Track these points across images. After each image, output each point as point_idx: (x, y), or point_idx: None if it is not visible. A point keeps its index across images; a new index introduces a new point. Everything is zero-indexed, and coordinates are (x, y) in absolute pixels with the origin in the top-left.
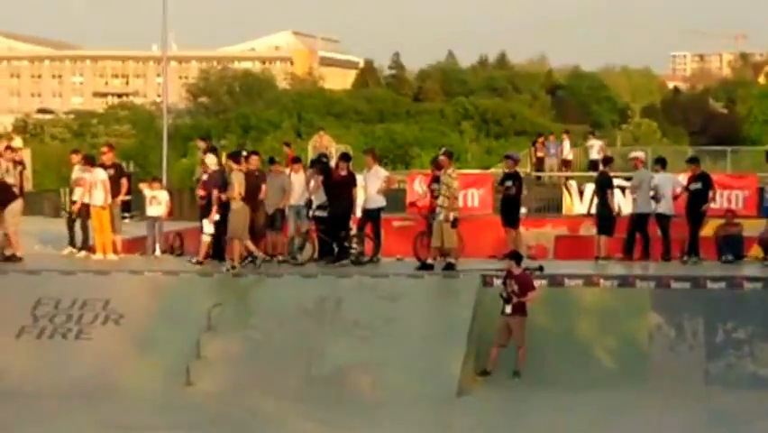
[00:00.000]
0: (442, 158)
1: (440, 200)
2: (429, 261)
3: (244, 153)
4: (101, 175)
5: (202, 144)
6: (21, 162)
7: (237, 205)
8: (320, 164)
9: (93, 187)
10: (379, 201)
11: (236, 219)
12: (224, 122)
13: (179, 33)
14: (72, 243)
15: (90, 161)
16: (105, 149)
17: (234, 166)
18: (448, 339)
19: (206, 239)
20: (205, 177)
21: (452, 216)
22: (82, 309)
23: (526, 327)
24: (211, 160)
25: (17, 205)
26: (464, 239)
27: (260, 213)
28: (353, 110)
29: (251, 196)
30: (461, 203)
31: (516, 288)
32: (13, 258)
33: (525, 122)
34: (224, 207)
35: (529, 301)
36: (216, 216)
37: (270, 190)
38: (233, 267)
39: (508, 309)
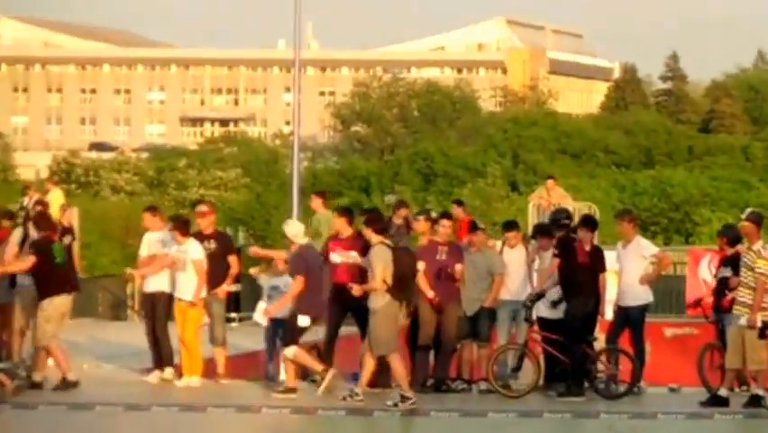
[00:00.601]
0: (745, 224)
1: (741, 294)
2: (722, 391)
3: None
4: (195, 251)
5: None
6: (69, 230)
7: (381, 301)
8: (561, 231)
9: (179, 269)
10: (643, 295)
11: (382, 324)
12: (392, 165)
13: (321, 26)
14: (160, 362)
15: (183, 227)
16: (202, 208)
17: (374, 237)
18: None
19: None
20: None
21: (759, 319)
22: None
23: None
24: (293, 229)
25: (63, 301)
26: None
27: (449, 313)
28: (602, 147)
29: (403, 283)
30: None
31: None
32: (62, 384)
33: None
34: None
35: None
36: (306, 321)
37: (471, 276)
38: (404, 399)
39: None
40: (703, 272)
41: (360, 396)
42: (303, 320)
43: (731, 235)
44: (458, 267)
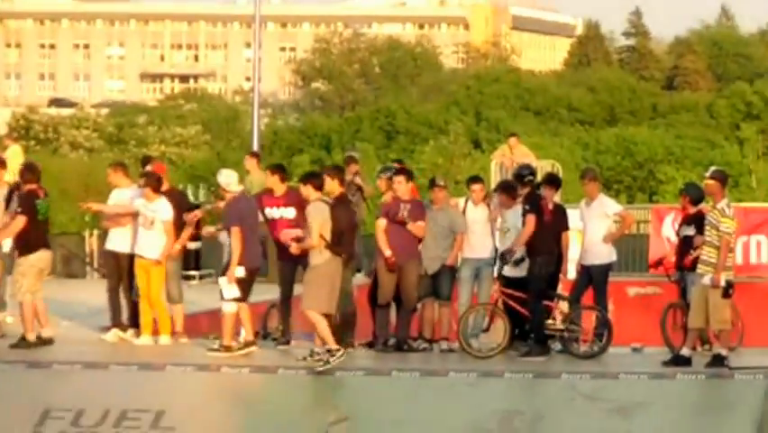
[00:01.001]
0: (709, 183)
1: (705, 253)
2: (685, 351)
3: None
4: (166, 211)
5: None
6: (34, 192)
7: (320, 258)
8: (525, 188)
9: (144, 226)
10: (607, 254)
11: (316, 280)
12: (353, 122)
13: None
14: (117, 320)
15: (156, 184)
16: (153, 166)
17: (313, 194)
18: None
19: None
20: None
21: (723, 279)
22: (118, 427)
23: None
24: (227, 177)
25: (39, 256)
26: (743, 317)
27: (408, 272)
28: (565, 105)
29: (341, 239)
30: (738, 258)
31: None
32: (38, 341)
33: None
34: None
35: None
36: (241, 272)
37: (432, 235)
38: (321, 356)
39: None
40: (667, 231)
41: (320, 355)
42: (238, 271)
43: (695, 194)
44: (420, 224)
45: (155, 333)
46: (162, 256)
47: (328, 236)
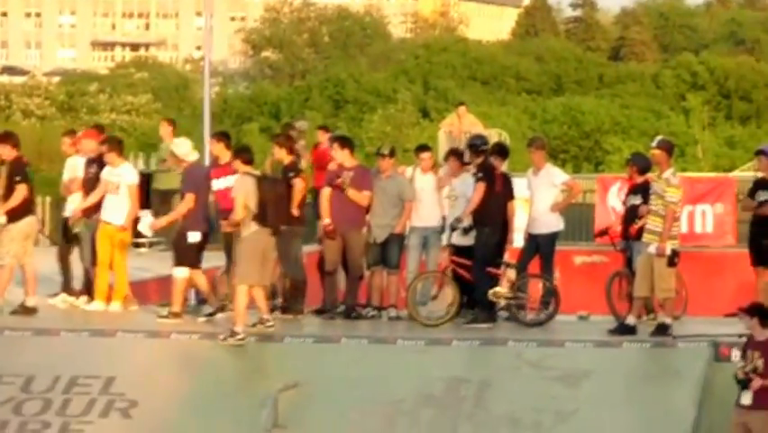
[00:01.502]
0: (655, 152)
1: (650, 222)
2: (630, 319)
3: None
4: (132, 175)
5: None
6: (22, 160)
7: (248, 230)
8: (478, 157)
9: (110, 192)
10: (554, 223)
11: (244, 252)
12: (302, 91)
13: None
14: (67, 286)
15: (119, 148)
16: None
17: (241, 167)
18: None
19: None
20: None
21: (668, 248)
22: (69, 393)
23: None
24: (184, 148)
25: (28, 222)
26: (687, 286)
27: (352, 240)
28: (513, 74)
29: (266, 210)
30: (683, 227)
31: (760, 364)
32: (21, 309)
33: None
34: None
35: None
36: (197, 237)
37: (381, 203)
38: (233, 334)
39: (746, 400)
40: (612, 201)
41: (270, 322)
42: (193, 236)
43: (641, 164)
44: (365, 193)
45: (108, 299)
46: (127, 222)
47: (255, 209)
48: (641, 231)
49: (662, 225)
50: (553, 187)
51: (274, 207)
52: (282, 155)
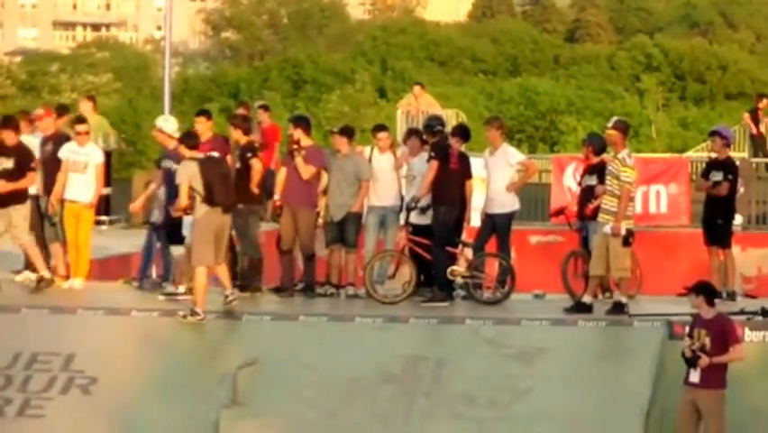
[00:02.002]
0: (611, 132)
1: (606, 202)
2: (586, 298)
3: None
4: (99, 154)
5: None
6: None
7: (199, 212)
8: (434, 138)
9: (77, 171)
10: (510, 203)
11: (196, 234)
12: (262, 71)
13: None
14: (30, 263)
15: (12, 124)
16: (39, 111)
17: (187, 153)
18: (613, 425)
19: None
20: None
21: (623, 227)
22: (29, 370)
23: (726, 407)
24: (174, 125)
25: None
26: (642, 265)
27: (302, 218)
28: (469, 55)
29: (211, 190)
30: (638, 207)
31: (707, 342)
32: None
33: (743, 76)
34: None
35: (731, 361)
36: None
37: (338, 182)
38: (193, 313)
39: (694, 378)
40: (568, 181)
41: (231, 298)
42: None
43: (597, 144)
44: (311, 168)
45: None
46: (95, 200)
47: (202, 191)
48: (596, 211)
49: (617, 205)
50: (509, 167)
51: (220, 186)
52: (238, 136)
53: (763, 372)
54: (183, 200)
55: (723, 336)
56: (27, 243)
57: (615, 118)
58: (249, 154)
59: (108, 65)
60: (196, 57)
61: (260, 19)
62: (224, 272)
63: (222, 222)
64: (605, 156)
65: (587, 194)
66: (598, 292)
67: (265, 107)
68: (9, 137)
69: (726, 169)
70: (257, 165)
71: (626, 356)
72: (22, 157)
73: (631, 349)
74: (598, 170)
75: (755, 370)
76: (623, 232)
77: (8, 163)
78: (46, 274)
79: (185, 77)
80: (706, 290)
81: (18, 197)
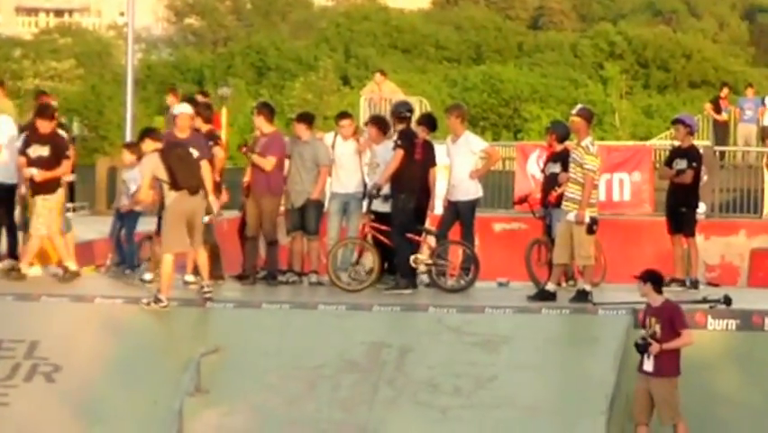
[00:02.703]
0: (575, 120)
1: (569, 190)
2: (550, 286)
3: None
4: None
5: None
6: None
7: (169, 199)
8: (401, 124)
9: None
10: (473, 190)
11: (166, 222)
12: (225, 58)
13: None
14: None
15: (48, 113)
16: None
17: (150, 146)
18: (578, 413)
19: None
20: None
21: (587, 215)
22: None
23: (685, 395)
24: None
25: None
26: (605, 253)
27: (264, 205)
28: (433, 43)
29: (174, 175)
30: (602, 195)
31: (657, 329)
32: (67, 273)
33: (707, 65)
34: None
35: (680, 346)
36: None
37: (298, 168)
38: (156, 300)
39: (648, 366)
40: (531, 168)
41: (207, 289)
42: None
43: (561, 131)
44: (270, 158)
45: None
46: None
47: (167, 178)
48: (560, 198)
49: (580, 193)
50: (472, 154)
51: (180, 169)
52: (199, 124)
53: (725, 360)
54: (143, 193)
55: (671, 322)
56: (41, 236)
57: (579, 106)
58: (210, 142)
59: (71, 51)
60: (160, 43)
61: (223, 5)
62: (203, 261)
63: (193, 206)
64: (568, 144)
65: (550, 181)
66: (562, 280)
67: (173, 91)
68: (43, 125)
69: (690, 157)
70: (219, 153)
71: (590, 344)
72: (57, 145)
73: (595, 337)
74: (562, 158)
75: (718, 358)
76: (587, 220)
77: (43, 151)
78: (71, 266)
79: (148, 63)
80: (653, 278)
81: (49, 186)
